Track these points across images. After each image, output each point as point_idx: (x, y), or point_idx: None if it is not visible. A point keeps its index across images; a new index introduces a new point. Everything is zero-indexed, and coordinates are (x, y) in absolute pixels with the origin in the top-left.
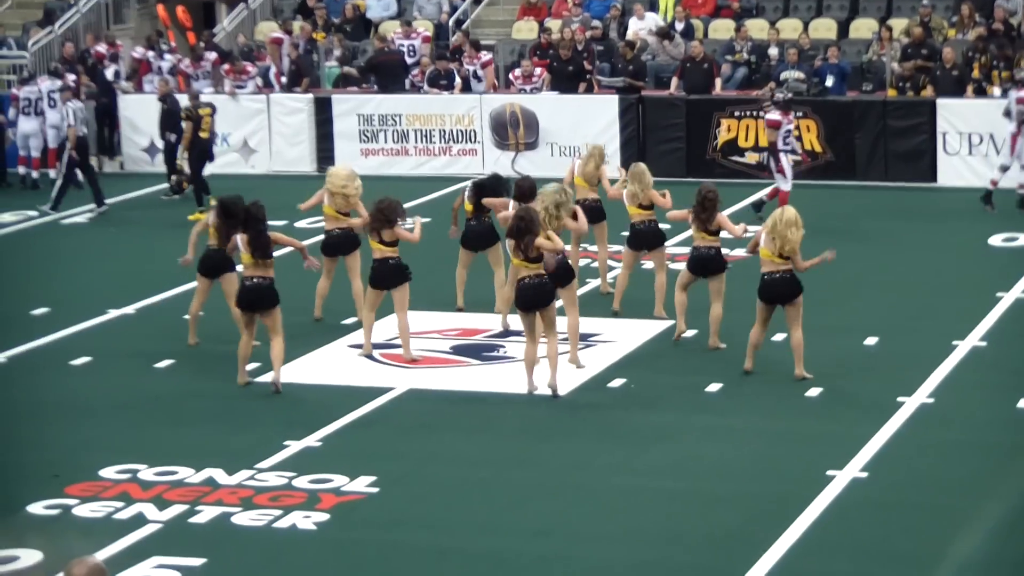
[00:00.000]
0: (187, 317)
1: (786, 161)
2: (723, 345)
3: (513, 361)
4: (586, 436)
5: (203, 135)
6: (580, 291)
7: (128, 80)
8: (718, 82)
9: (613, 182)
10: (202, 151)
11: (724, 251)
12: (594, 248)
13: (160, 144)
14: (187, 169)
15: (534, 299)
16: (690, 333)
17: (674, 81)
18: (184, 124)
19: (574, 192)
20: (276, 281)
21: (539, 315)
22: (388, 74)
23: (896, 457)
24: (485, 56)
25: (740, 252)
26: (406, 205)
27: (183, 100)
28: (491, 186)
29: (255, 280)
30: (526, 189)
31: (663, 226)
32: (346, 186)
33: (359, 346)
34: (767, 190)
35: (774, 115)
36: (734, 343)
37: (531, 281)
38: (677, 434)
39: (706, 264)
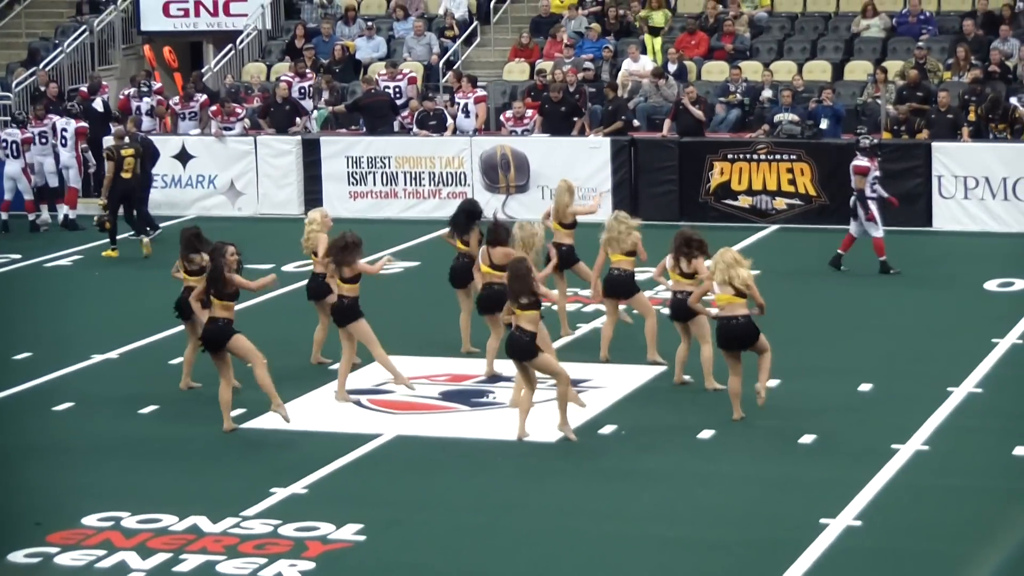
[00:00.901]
0: (179, 361)
1: (875, 208)
2: (720, 386)
3: (503, 407)
4: (577, 482)
5: (125, 175)
6: (575, 335)
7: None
8: (698, 112)
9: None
10: (124, 192)
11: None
12: (585, 292)
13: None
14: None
15: (517, 353)
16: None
17: (667, 123)
18: (106, 164)
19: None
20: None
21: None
22: (375, 115)
23: (891, 504)
24: (479, 92)
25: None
26: (395, 248)
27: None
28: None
29: (218, 322)
30: (501, 235)
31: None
32: (308, 225)
33: (348, 392)
34: (842, 243)
35: (861, 161)
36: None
37: (517, 334)
38: (669, 480)
39: (683, 308)
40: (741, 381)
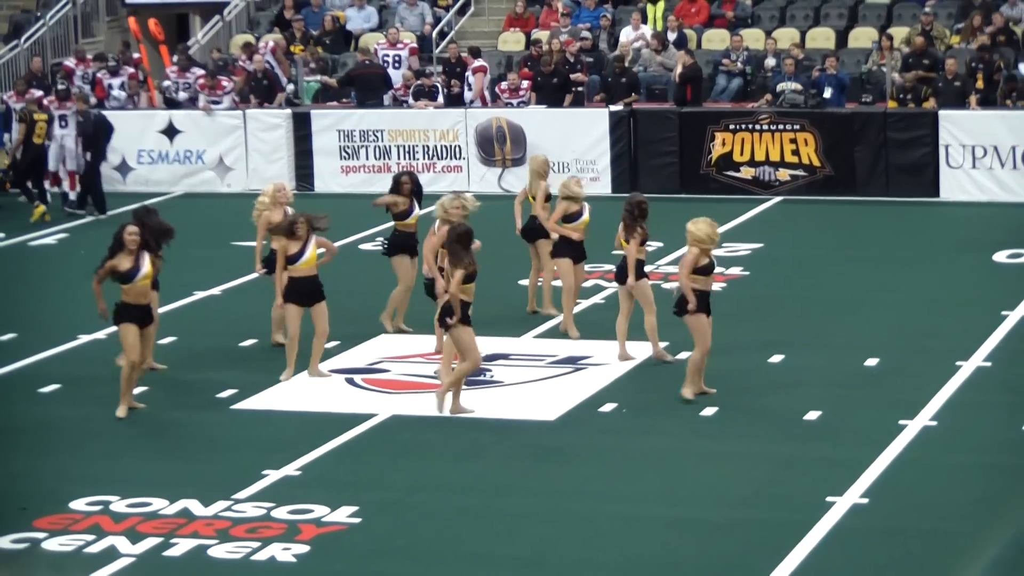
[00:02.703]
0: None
1: None
2: (670, 357)
3: (500, 385)
4: (578, 462)
5: (37, 140)
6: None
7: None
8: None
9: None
10: (36, 157)
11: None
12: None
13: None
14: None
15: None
16: (685, 354)
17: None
18: (17, 125)
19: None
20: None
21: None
22: (367, 88)
23: (898, 482)
24: (476, 63)
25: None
26: (386, 225)
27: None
28: None
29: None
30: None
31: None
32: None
33: (341, 371)
34: None
35: None
36: (727, 366)
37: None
38: (671, 459)
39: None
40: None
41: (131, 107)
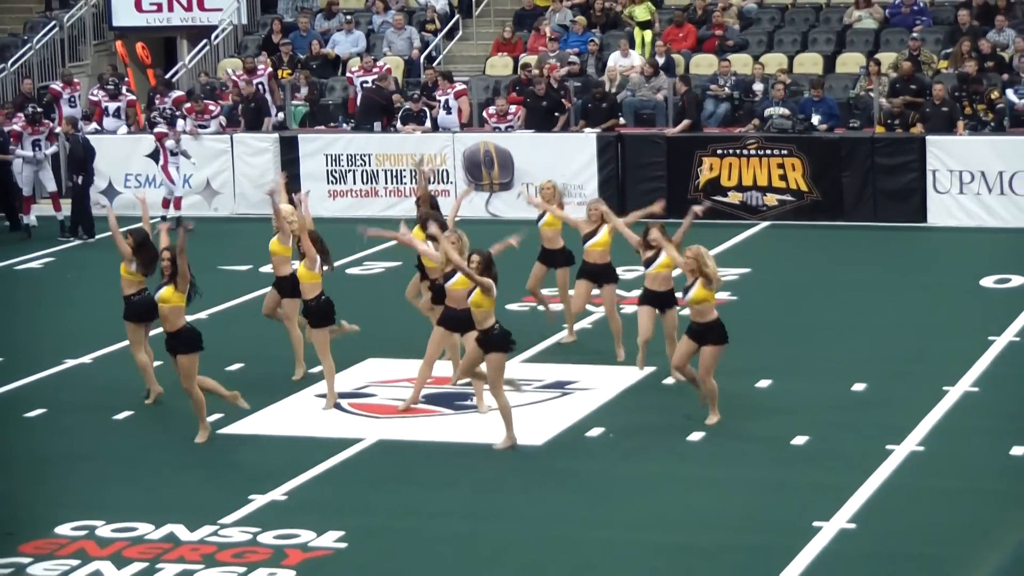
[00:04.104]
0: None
1: None
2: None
3: (488, 410)
4: (565, 487)
5: None
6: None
7: (86, 120)
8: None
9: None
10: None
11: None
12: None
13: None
14: None
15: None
16: (671, 381)
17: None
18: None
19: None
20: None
21: None
22: (369, 112)
23: (885, 507)
24: (459, 86)
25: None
26: (375, 249)
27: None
28: None
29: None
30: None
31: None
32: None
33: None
34: None
35: None
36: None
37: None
38: (659, 485)
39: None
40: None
41: (131, 131)
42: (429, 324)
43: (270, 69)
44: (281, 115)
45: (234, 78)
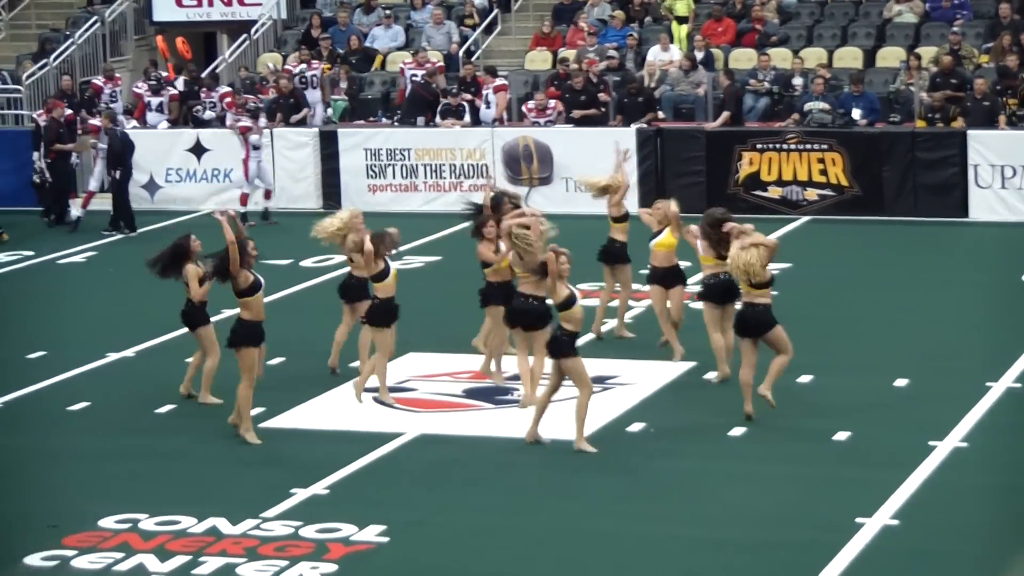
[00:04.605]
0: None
1: None
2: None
3: (528, 405)
4: (605, 482)
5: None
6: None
7: (127, 115)
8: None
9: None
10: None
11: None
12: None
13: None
14: None
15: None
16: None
17: (725, 115)
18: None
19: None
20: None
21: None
22: (416, 107)
23: (928, 504)
24: (498, 81)
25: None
26: (415, 243)
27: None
28: None
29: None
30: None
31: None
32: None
33: (369, 390)
34: None
35: None
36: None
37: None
38: (699, 480)
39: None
40: (753, 372)
41: (171, 126)
42: (468, 319)
43: (323, 63)
44: (330, 110)
45: (286, 67)
